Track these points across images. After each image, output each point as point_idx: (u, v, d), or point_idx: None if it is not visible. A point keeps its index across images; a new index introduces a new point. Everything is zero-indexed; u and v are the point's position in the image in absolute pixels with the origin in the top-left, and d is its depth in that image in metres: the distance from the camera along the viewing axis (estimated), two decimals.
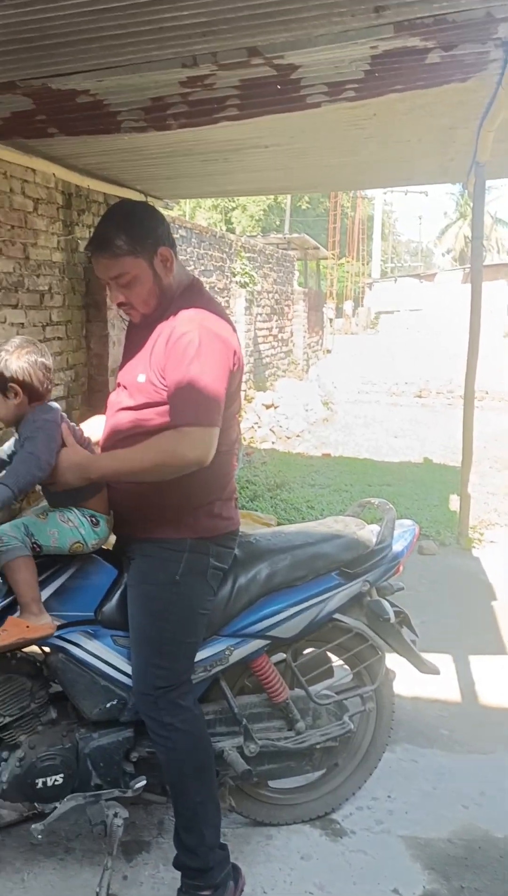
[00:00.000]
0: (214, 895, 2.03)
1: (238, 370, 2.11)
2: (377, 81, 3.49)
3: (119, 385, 2.20)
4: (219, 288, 10.08)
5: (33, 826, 2.12)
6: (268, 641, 2.26)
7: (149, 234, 2.07)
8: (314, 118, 4.04)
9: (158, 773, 2.18)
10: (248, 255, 11.21)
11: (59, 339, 5.68)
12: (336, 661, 2.50)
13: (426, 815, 2.54)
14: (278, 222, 31.26)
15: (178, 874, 2.13)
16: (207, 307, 2.11)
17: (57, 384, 5.67)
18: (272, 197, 32.47)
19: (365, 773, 2.53)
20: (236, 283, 10.62)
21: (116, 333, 6.26)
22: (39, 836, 2.11)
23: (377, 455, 8.59)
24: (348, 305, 28.91)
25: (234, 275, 10.62)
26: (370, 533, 2.44)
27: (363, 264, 34.61)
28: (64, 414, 2.20)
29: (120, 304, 2.12)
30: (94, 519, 2.14)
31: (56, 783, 2.12)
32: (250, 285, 10.90)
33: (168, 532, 2.10)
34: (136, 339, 2.18)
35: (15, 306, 5.07)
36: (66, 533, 2.10)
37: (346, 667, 2.50)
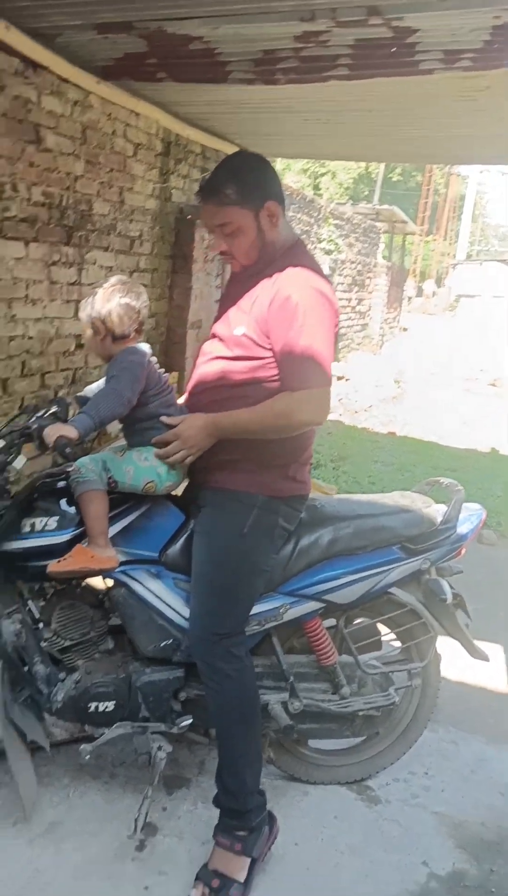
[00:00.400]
0: (249, 837, 2.08)
1: (337, 329, 2.13)
2: (495, 52, 3.37)
3: (214, 335, 2.22)
4: None
5: (82, 746, 2.21)
6: (323, 605, 2.28)
7: (259, 186, 2.08)
8: (424, 85, 3.93)
9: (203, 714, 2.24)
10: (335, 222, 11.05)
11: (144, 286, 5.68)
12: (386, 633, 2.51)
13: (461, 796, 2.55)
14: (366, 192, 30.65)
15: (215, 813, 2.19)
16: (311, 267, 2.11)
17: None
18: (363, 166, 31.79)
19: (404, 746, 2.54)
20: (321, 249, 10.49)
21: (200, 287, 6.28)
22: (87, 757, 2.20)
23: (443, 439, 8.46)
24: (429, 284, 28.29)
25: (320, 241, 10.48)
26: (435, 511, 2.42)
27: (449, 244, 33.73)
28: (153, 358, 2.24)
29: (222, 253, 2.15)
30: None
31: (107, 710, 2.20)
32: (335, 253, 10.76)
33: (242, 486, 2.13)
34: (236, 291, 2.19)
35: (106, 249, 5.13)
36: (141, 471, 2.14)
37: (396, 641, 2.51)
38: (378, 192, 25.29)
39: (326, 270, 11.01)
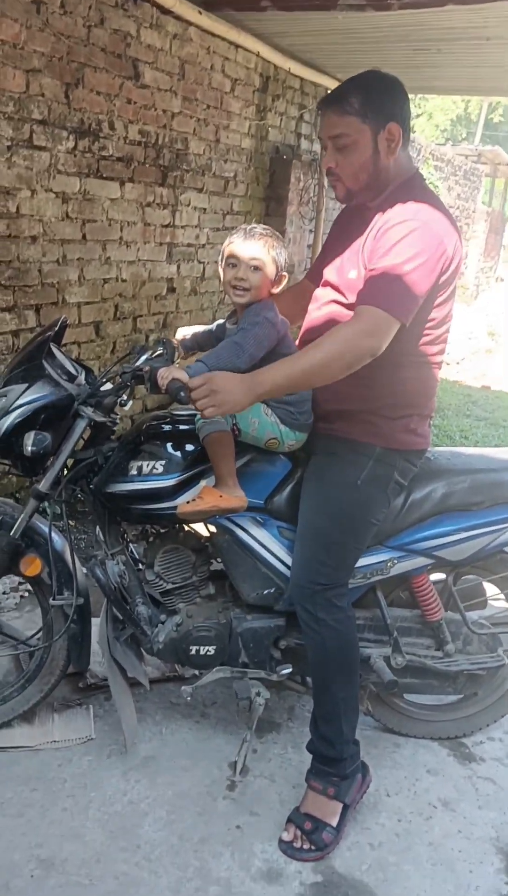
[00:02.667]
0: (342, 783, 2.07)
1: (451, 275, 1.96)
2: None
3: (326, 283, 2.12)
4: None
5: (184, 687, 2.24)
6: (432, 561, 2.21)
7: (385, 104, 1.93)
8: None
9: (302, 663, 2.22)
10: (435, 163, 10.57)
11: None
12: (496, 593, 2.42)
13: None
14: (464, 134, 29.21)
15: (306, 758, 2.18)
16: (429, 202, 1.96)
17: None
18: (463, 107, 30.18)
19: (505, 708, 2.47)
20: None
21: (294, 231, 6.13)
22: (188, 698, 2.24)
23: None
24: None
25: None
26: None
27: None
28: (286, 321, 2.12)
29: (329, 171, 2.01)
30: (295, 419, 2.11)
31: (208, 653, 2.21)
32: None
33: (359, 435, 2.05)
34: (346, 232, 2.08)
35: (201, 190, 5.04)
36: (266, 426, 2.09)
37: (504, 601, 2.42)
38: (479, 134, 24.01)
39: None
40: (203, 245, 5.22)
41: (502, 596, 2.40)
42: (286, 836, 2.04)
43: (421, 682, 2.32)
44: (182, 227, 4.93)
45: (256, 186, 5.79)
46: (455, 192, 12.24)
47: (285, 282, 2.10)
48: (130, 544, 2.31)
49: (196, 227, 5.09)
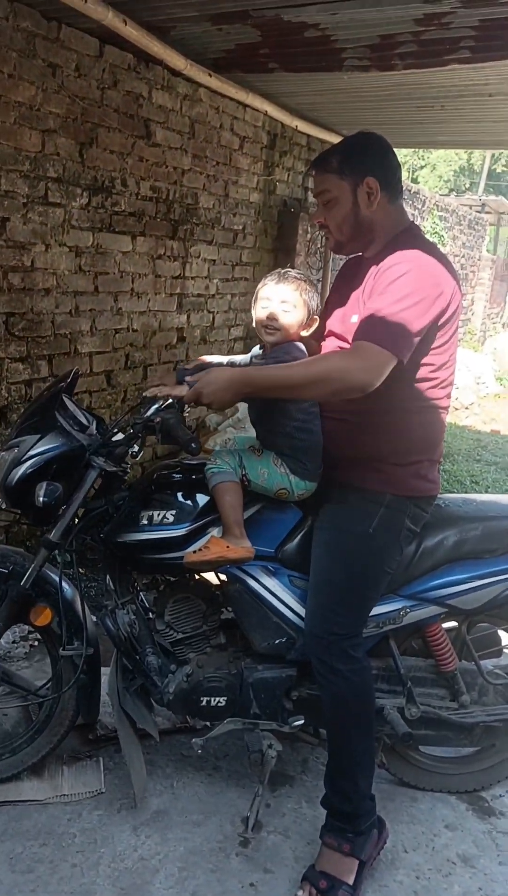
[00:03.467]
0: (357, 840, 2.02)
1: (451, 318, 2.00)
2: None
3: (330, 333, 2.17)
4: None
5: (194, 739, 2.20)
6: (445, 609, 2.19)
7: (363, 161, 2.07)
8: None
9: (314, 714, 2.19)
10: (440, 213, 10.76)
11: (245, 280, 5.72)
12: None
13: None
14: (467, 185, 29.77)
15: (319, 812, 2.15)
16: (426, 250, 2.02)
17: (238, 324, 5.75)
18: (465, 158, 30.84)
19: None
20: None
21: None
22: (199, 751, 2.20)
23: None
24: None
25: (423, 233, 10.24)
26: None
27: None
28: None
29: (320, 225, 2.16)
30: (306, 469, 2.12)
31: (219, 704, 2.18)
32: (439, 246, 10.49)
33: (370, 483, 2.06)
34: (348, 286, 2.15)
35: (210, 242, 5.15)
36: (275, 476, 2.10)
37: None
38: (483, 184, 24.48)
39: None
40: (212, 295, 5.32)
41: None
42: (302, 895, 1.99)
43: (437, 733, 2.28)
44: (192, 278, 5.03)
45: (264, 238, 5.91)
46: (461, 241, 12.44)
47: (315, 325, 2.15)
48: (141, 593, 2.30)
49: (206, 278, 5.19)
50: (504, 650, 2.41)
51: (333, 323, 2.17)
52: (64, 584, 2.19)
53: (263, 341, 2.16)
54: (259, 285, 2.17)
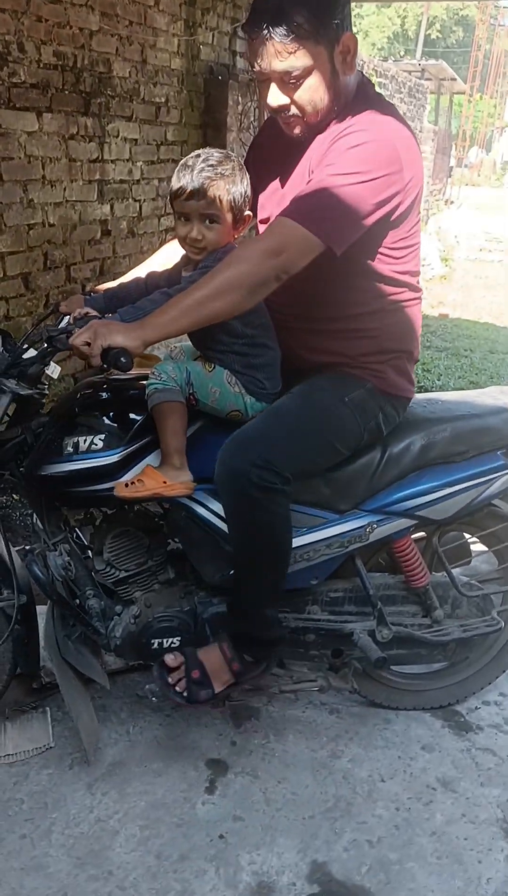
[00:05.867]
0: (248, 666, 1.93)
1: (412, 201, 1.70)
2: None
3: (267, 220, 1.83)
4: None
5: (148, 686, 2.00)
6: (415, 521, 1.97)
7: (335, 13, 1.60)
8: None
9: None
10: (379, 80, 10.04)
11: (173, 161, 5.17)
12: (473, 542, 2.21)
13: None
14: (402, 52, 28.34)
15: (289, 746, 2.09)
16: (387, 112, 1.69)
17: (168, 213, 5.24)
18: (399, 23, 29.14)
19: (498, 669, 2.28)
20: None
21: None
22: (154, 699, 2.01)
23: (499, 320, 7.92)
24: (473, 153, 26.43)
25: None
26: None
27: (495, 105, 31.27)
28: None
29: (279, 109, 1.69)
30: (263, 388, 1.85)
31: (172, 645, 1.96)
32: None
33: (350, 373, 1.85)
34: (283, 152, 1.79)
35: (130, 118, 4.58)
36: (228, 396, 1.82)
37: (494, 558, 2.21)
38: (419, 50, 23.19)
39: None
40: (137, 181, 4.79)
41: (489, 552, 2.19)
42: (171, 662, 1.91)
43: (409, 652, 2.10)
44: (112, 161, 4.49)
45: (190, 112, 5.33)
46: (401, 111, 11.74)
47: (251, 222, 1.81)
48: (76, 530, 2.02)
49: (128, 160, 4.65)
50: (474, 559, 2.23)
51: (274, 207, 1.81)
52: None
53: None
54: (170, 187, 1.75)
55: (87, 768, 2.02)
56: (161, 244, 5.15)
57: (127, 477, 1.80)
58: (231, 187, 1.71)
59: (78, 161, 4.16)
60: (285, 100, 1.66)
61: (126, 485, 1.77)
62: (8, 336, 1.88)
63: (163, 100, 4.93)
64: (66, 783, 1.98)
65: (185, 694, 1.90)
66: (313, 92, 1.65)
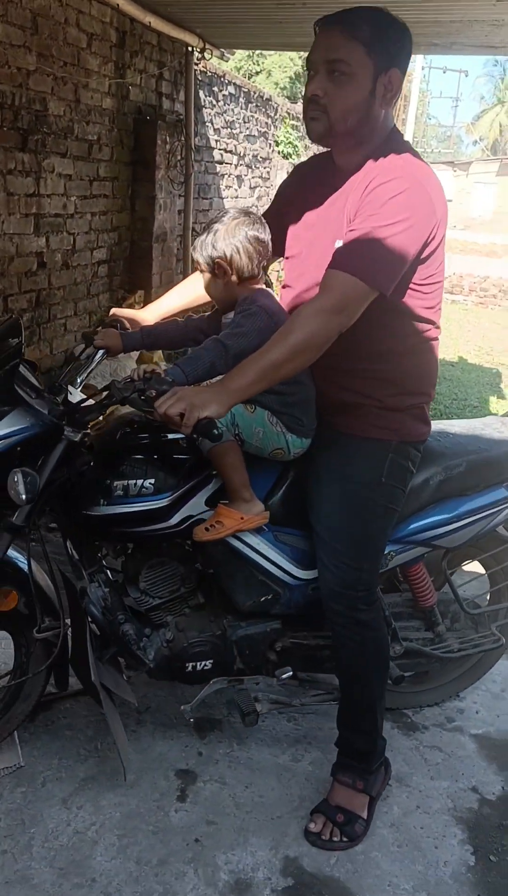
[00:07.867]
0: (369, 778, 2.04)
1: (441, 239, 1.80)
2: None
3: (299, 254, 1.95)
4: (262, 157, 9.46)
5: (183, 707, 2.09)
6: (429, 549, 2.15)
7: (394, 45, 1.74)
8: None
9: (299, 662, 2.13)
10: (292, 122, 10.48)
11: (104, 196, 5.31)
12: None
13: (496, 716, 2.51)
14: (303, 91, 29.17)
15: (253, 753, 2.21)
16: (415, 157, 1.80)
17: (100, 246, 5.35)
18: (300, 63, 29.99)
19: (473, 678, 2.49)
20: (279, 153, 9.97)
21: (164, 197, 5.87)
22: (191, 719, 2.18)
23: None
24: None
25: (277, 144, 9.95)
26: None
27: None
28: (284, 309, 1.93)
29: (312, 99, 1.75)
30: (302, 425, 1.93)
31: (205, 668, 2.05)
32: (293, 157, 10.25)
33: (375, 433, 1.91)
34: (318, 197, 1.89)
35: (64, 155, 4.69)
36: (271, 435, 1.90)
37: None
38: None
39: (282, 176, 10.53)
40: (71, 215, 4.89)
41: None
42: (314, 828, 1.99)
43: (412, 661, 2.25)
44: (48, 195, 4.58)
45: (121, 150, 5.48)
46: (313, 150, 12.25)
47: (264, 261, 1.91)
48: (107, 559, 2.09)
49: (63, 195, 4.75)
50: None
51: (300, 244, 1.94)
52: (32, 563, 1.92)
53: None
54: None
55: (60, 784, 2.08)
56: (93, 276, 5.26)
57: (182, 514, 1.91)
58: (239, 247, 1.85)
59: (16, 195, 4.23)
60: (320, 90, 1.73)
61: (206, 528, 1.87)
62: (35, 367, 1.94)
63: (95, 137, 5.06)
64: (40, 800, 2.03)
65: (345, 839, 1.97)
66: (346, 96, 1.73)
